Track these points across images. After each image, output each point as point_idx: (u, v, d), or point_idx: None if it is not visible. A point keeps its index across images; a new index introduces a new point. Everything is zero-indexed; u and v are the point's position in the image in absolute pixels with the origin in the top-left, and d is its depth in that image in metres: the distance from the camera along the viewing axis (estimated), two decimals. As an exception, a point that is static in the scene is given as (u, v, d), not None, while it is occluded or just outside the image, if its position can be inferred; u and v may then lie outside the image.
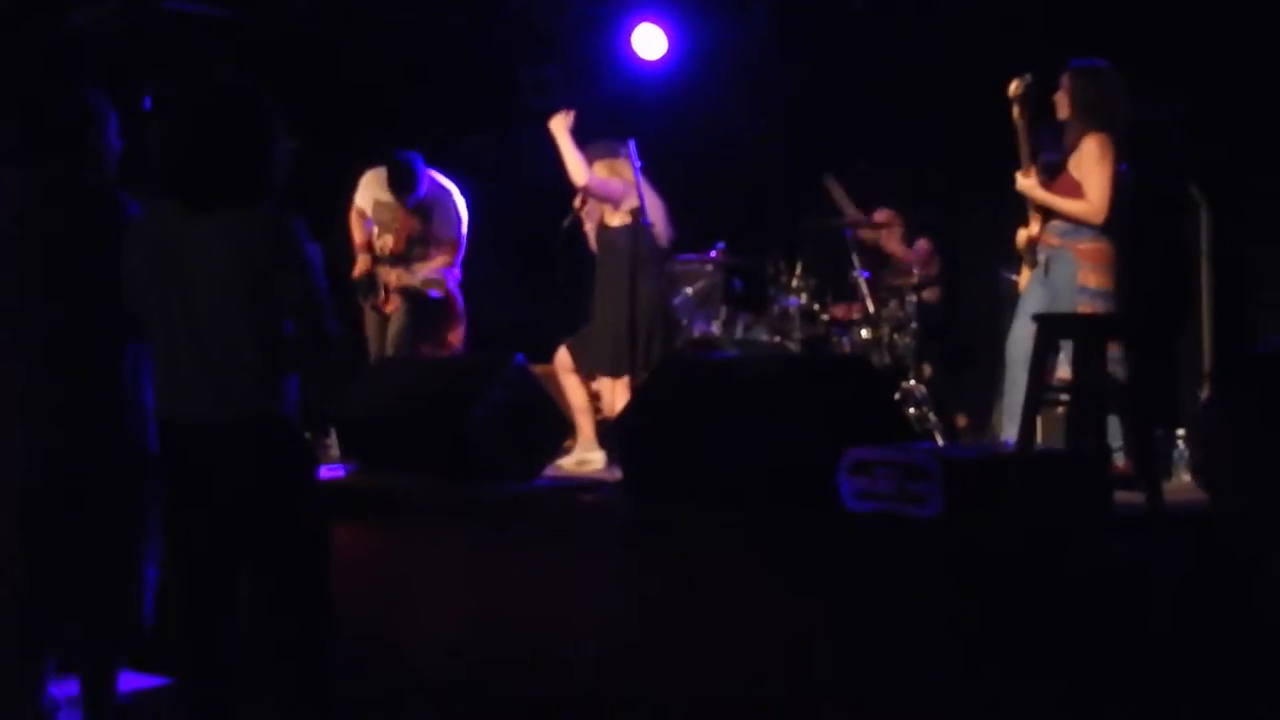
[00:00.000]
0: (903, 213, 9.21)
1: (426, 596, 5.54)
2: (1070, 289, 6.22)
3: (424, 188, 8.31)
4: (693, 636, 4.76)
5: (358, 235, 8.49)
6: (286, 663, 4.17)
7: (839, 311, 8.76)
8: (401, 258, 8.34)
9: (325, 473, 5.87)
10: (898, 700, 4.31)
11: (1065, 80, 6.40)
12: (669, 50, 9.48)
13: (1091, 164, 6.21)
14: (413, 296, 8.26)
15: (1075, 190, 6.25)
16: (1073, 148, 6.31)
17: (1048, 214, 6.38)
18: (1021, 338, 6.33)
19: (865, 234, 9.13)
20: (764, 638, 4.60)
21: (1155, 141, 6.98)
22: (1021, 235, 6.57)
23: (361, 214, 8.51)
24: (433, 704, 5.31)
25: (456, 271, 8.41)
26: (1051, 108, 6.45)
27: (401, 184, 8.26)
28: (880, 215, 9.19)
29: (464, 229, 8.35)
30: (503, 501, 5.66)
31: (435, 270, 8.27)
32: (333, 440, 6.81)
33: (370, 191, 8.51)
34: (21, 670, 4.54)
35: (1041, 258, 6.38)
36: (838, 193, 8.85)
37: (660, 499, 5.28)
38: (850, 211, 8.89)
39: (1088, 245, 6.24)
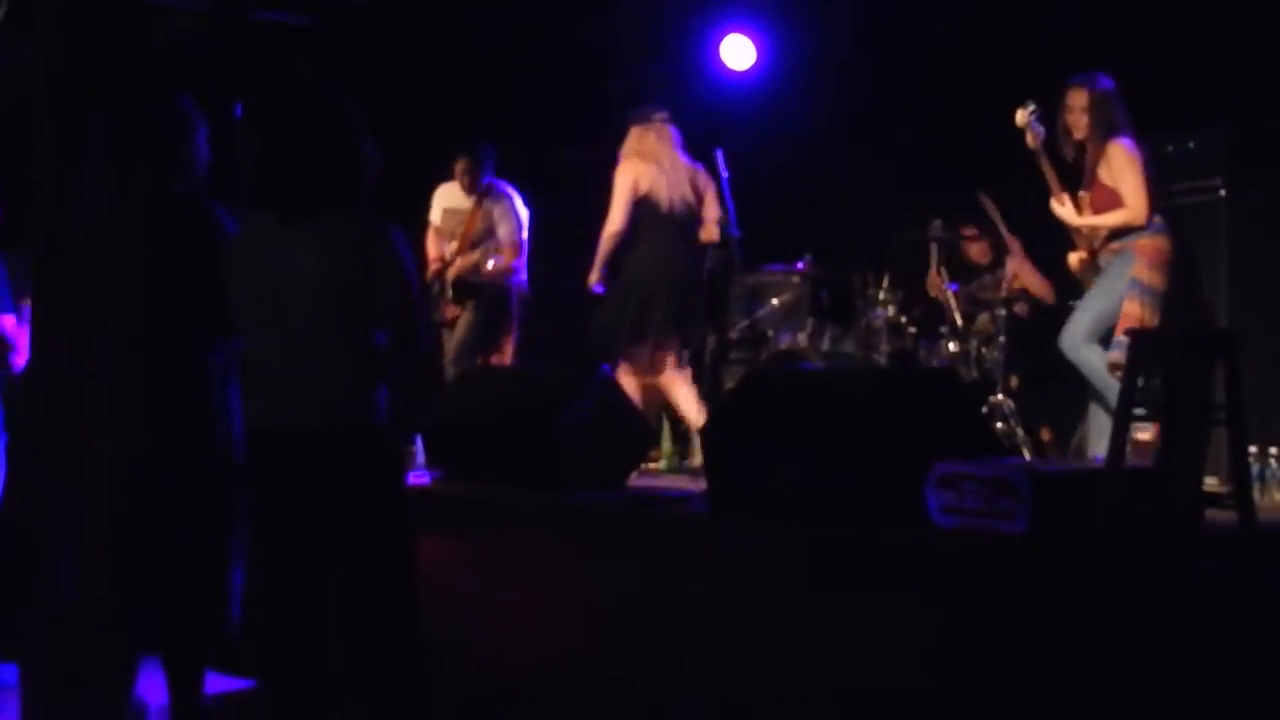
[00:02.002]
0: (988, 228, 9.12)
1: (511, 605, 5.55)
2: (1121, 281, 6.22)
3: (488, 178, 8.55)
4: (778, 650, 4.74)
5: (433, 250, 8.61)
6: (372, 669, 4.19)
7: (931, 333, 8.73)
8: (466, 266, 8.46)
9: (412, 480, 5.91)
10: (985, 714, 4.27)
11: (1078, 97, 6.39)
12: (758, 61, 9.47)
13: (1122, 169, 6.22)
14: (478, 296, 8.35)
15: (1113, 200, 6.26)
16: (1096, 162, 6.31)
17: (1098, 238, 6.41)
18: (1073, 330, 6.32)
19: (966, 246, 9.07)
20: (849, 652, 4.57)
21: (1246, 153, 6.93)
22: (1072, 259, 6.64)
23: (435, 229, 8.63)
24: (518, 713, 5.31)
25: (521, 276, 8.49)
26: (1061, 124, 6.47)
27: (476, 161, 8.54)
28: (970, 230, 9.11)
29: (524, 233, 8.47)
30: (588, 511, 5.66)
31: (501, 270, 8.38)
32: (419, 448, 6.84)
33: (440, 203, 8.70)
34: (109, 673, 4.58)
35: (1104, 262, 6.41)
36: (993, 211, 8.78)
37: (745, 511, 5.25)
38: (1003, 232, 8.84)
39: (1146, 241, 6.28)
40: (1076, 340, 6.46)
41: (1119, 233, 6.35)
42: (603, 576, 5.31)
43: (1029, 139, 6.54)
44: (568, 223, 8.78)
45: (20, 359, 5.51)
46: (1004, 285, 8.65)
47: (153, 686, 4.80)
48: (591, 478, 5.96)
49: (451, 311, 8.50)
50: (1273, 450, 6.32)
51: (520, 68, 9.83)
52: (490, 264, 8.36)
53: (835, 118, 8.86)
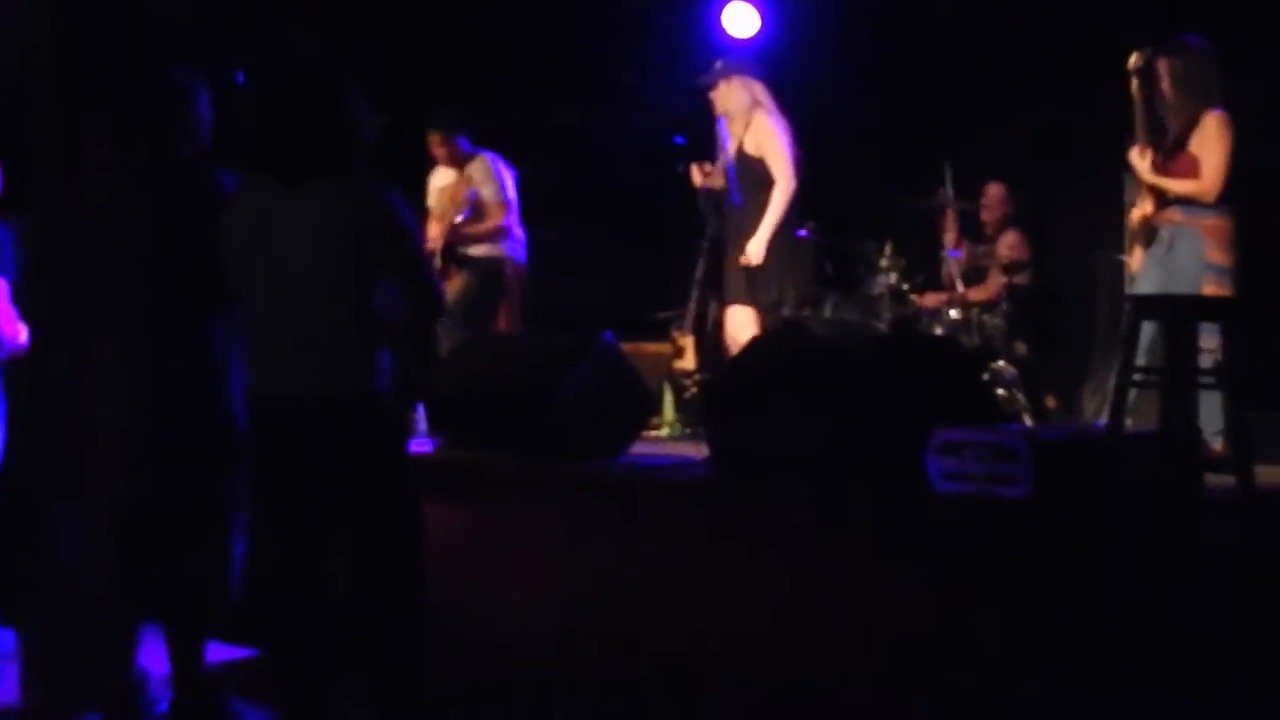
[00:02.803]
0: (1010, 193, 9.13)
1: (513, 572, 5.56)
2: (1196, 266, 6.12)
3: (467, 145, 8.49)
4: (779, 616, 4.75)
5: (432, 231, 8.59)
6: (375, 636, 4.20)
7: (930, 301, 8.70)
8: (464, 234, 8.45)
9: (414, 447, 5.92)
10: (983, 679, 4.28)
11: (1166, 66, 6.27)
12: (760, 28, 9.43)
13: (1214, 141, 6.10)
14: (463, 260, 8.35)
15: (1194, 168, 6.15)
16: (1186, 127, 6.20)
17: (1163, 196, 6.28)
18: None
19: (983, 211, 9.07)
20: (850, 617, 4.58)
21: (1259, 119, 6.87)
22: (1135, 215, 6.44)
23: (433, 215, 8.62)
24: (520, 679, 5.33)
25: (513, 244, 8.47)
26: (1158, 91, 6.34)
27: (448, 125, 8.48)
28: (993, 190, 9.10)
29: (510, 193, 8.44)
30: (590, 478, 5.66)
31: (483, 231, 8.36)
32: (420, 415, 6.84)
33: (433, 187, 8.64)
34: (112, 640, 4.60)
35: (1165, 235, 6.25)
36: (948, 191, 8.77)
37: (747, 478, 5.26)
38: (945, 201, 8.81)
39: (1213, 222, 6.14)
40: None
41: (1186, 205, 6.22)
42: (604, 544, 5.32)
43: (1134, 84, 6.37)
44: (567, 188, 8.76)
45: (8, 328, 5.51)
46: (1005, 253, 8.66)
47: (154, 655, 4.81)
48: (593, 445, 5.96)
49: (449, 283, 8.48)
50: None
51: (522, 33, 9.81)
52: (459, 218, 8.37)
53: (838, 85, 8.84)
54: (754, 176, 7.55)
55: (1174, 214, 6.24)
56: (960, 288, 8.53)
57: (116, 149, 4.64)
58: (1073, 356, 8.43)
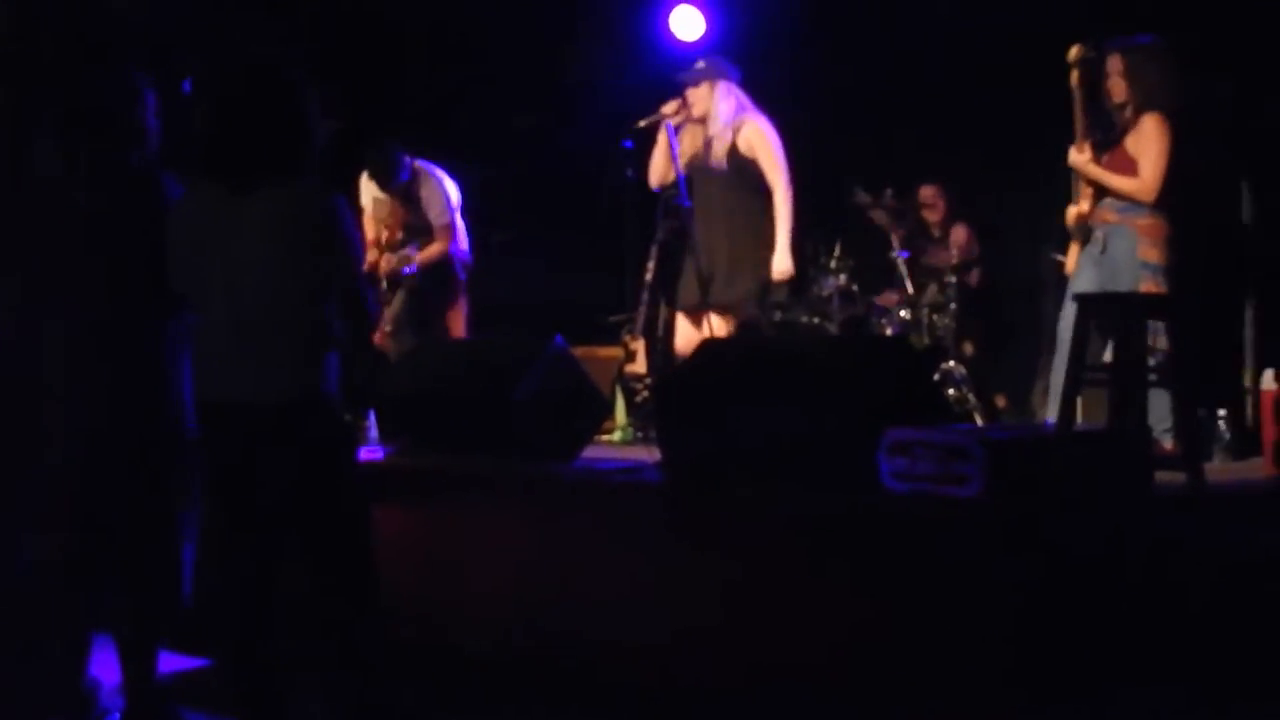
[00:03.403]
0: (947, 190, 9.18)
1: (468, 576, 5.55)
2: (1131, 265, 6.17)
3: (405, 174, 8.40)
4: (731, 616, 4.76)
5: (370, 232, 8.55)
6: (328, 643, 4.19)
7: (883, 300, 8.74)
8: (400, 246, 8.42)
9: (365, 455, 5.90)
10: (935, 678, 4.30)
11: (1117, 62, 6.31)
12: (707, 31, 9.45)
13: (1150, 142, 6.15)
14: (397, 281, 8.34)
15: (1130, 168, 6.19)
16: (1128, 127, 6.24)
17: (1100, 191, 6.32)
18: (1072, 317, 6.30)
19: (921, 211, 9.12)
20: (802, 617, 4.59)
21: (1204, 119, 6.92)
22: (1071, 212, 6.49)
23: (367, 213, 8.58)
24: (475, 682, 5.32)
25: (461, 250, 8.45)
26: (1102, 86, 6.38)
27: (381, 173, 8.41)
28: (925, 192, 9.16)
29: (455, 213, 8.41)
30: (542, 482, 5.66)
31: (432, 257, 8.34)
32: (371, 422, 6.83)
33: (368, 191, 8.60)
34: (62, 651, 4.57)
35: (1099, 234, 6.31)
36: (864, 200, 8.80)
37: (699, 481, 5.27)
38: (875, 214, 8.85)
39: (1147, 221, 6.19)
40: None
41: (1120, 204, 6.27)
42: (558, 546, 5.32)
43: (1074, 77, 6.39)
44: (519, 192, 8.75)
45: None
46: (955, 253, 8.70)
47: (106, 665, 4.78)
48: (546, 449, 5.96)
49: (385, 299, 8.48)
50: (1221, 413, 6.37)
51: (474, 35, 9.80)
52: (407, 270, 8.36)
53: (785, 88, 8.85)
54: (746, 180, 7.49)
55: (1108, 213, 6.30)
56: (910, 288, 8.57)
57: (65, 152, 4.60)
58: (1022, 355, 8.48)
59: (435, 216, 8.38)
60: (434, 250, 8.39)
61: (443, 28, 9.77)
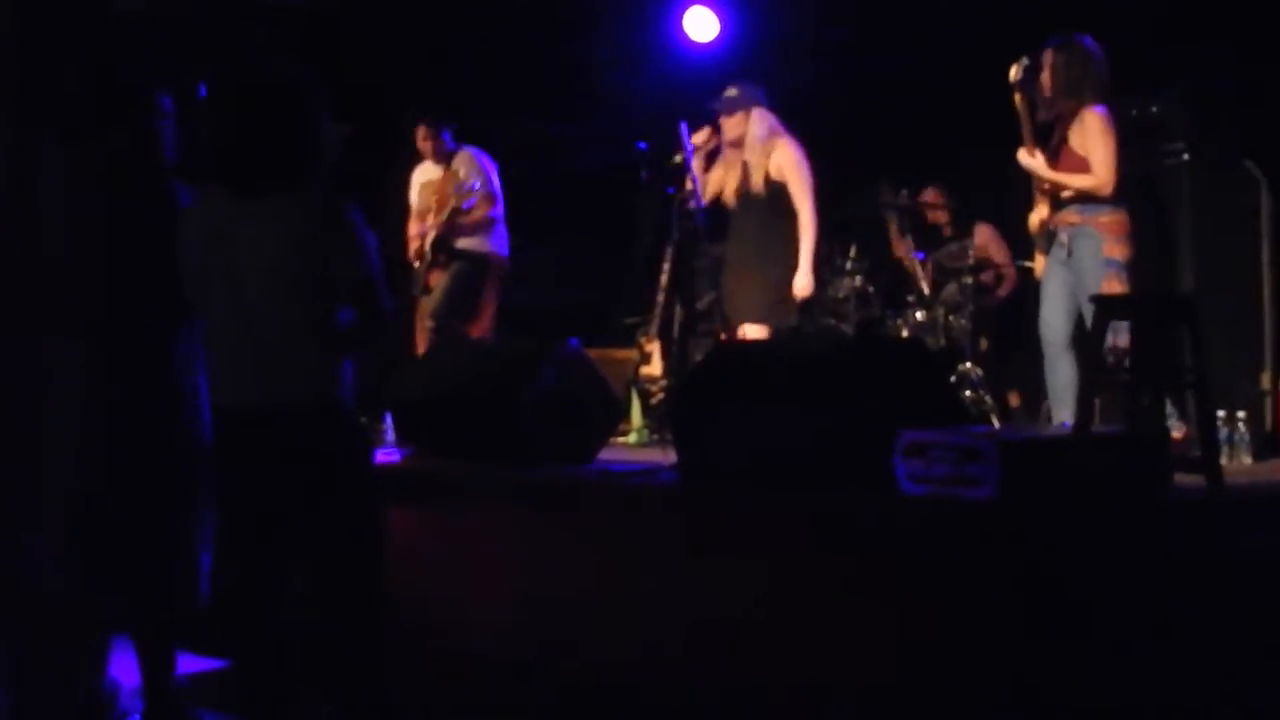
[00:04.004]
0: (950, 194, 9.17)
1: (481, 580, 5.55)
2: (1096, 264, 6.21)
3: (451, 143, 8.53)
4: (745, 620, 4.75)
5: (413, 229, 8.57)
6: (340, 645, 4.19)
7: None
8: (444, 221, 8.42)
9: (381, 457, 5.90)
10: (950, 682, 4.29)
11: (1049, 58, 6.39)
12: (720, 33, 9.46)
13: (1095, 136, 6.21)
14: (452, 252, 8.34)
15: (1081, 165, 6.25)
16: (1069, 125, 6.30)
17: (1057, 198, 6.37)
18: (1052, 320, 6.38)
19: (927, 213, 9.11)
20: (818, 620, 4.58)
21: (1207, 116, 6.93)
22: (1033, 219, 6.60)
23: (416, 211, 8.59)
24: (486, 686, 5.32)
25: (498, 241, 8.45)
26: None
27: (429, 125, 8.48)
28: (929, 194, 9.15)
29: (496, 185, 8.43)
30: (557, 485, 5.66)
31: (474, 220, 8.35)
32: (388, 425, 6.84)
33: (416, 181, 8.64)
34: (80, 655, 4.57)
35: (1063, 238, 6.36)
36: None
37: (715, 483, 5.26)
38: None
39: (1108, 218, 6.25)
40: (1061, 336, 6.42)
41: (1080, 204, 6.31)
42: (573, 550, 5.32)
43: (1017, 98, 6.48)
44: (532, 195, 8.74)
45: None
46: (971, 254, 8.69)
47: (125, 667, 4.80)
48: (560, 451, 5.96)
49: (435, 278, 8.47)
50: (1240, 414, 6.35)
51: (486, 41, 9.80)
52: (468, 204, 8.36)
53: (798, 90, 8.86)
54: (776, 203, 7.55)
55: (1070, 215, 6.35)
56: (926, 290, 8.56)
57: (80, 160, 4.60)
58: (1039, 357, 8.46)
59: (480, 185, 8.40)
60: (477, 214, 8.40)
61: (455, 30, 9.77)
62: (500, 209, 8.50)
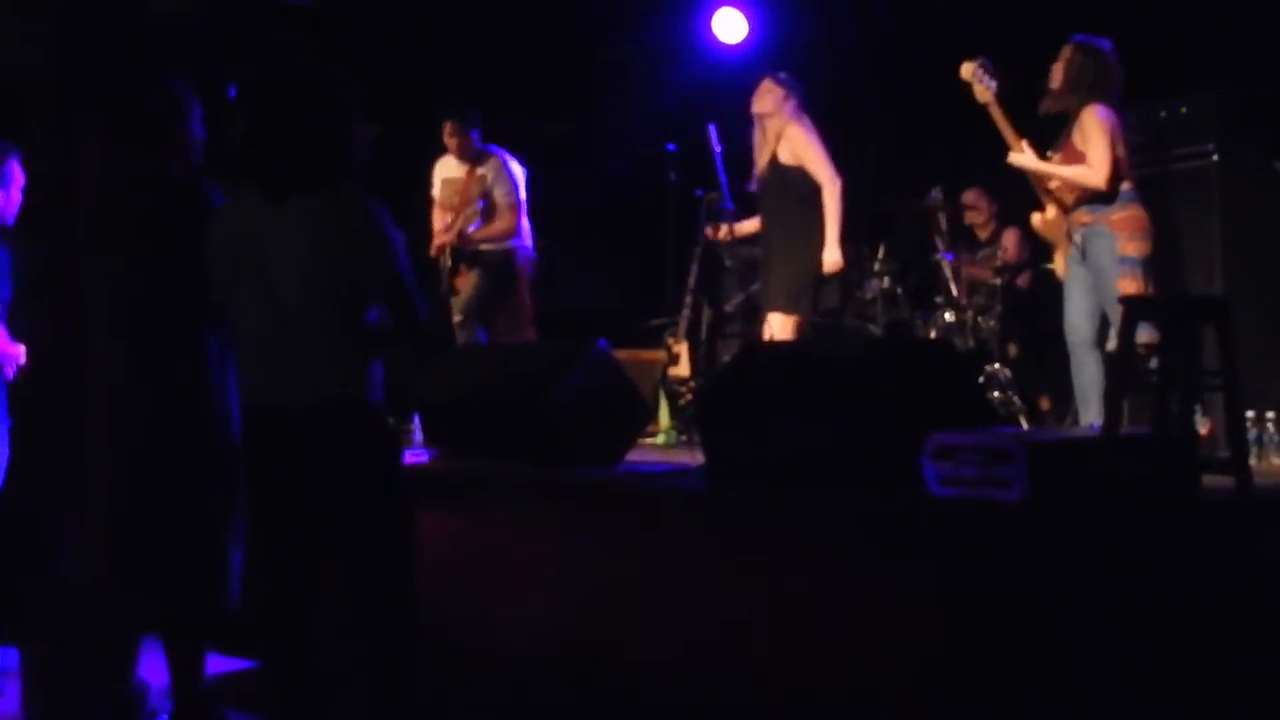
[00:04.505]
0: (991, 195, 9.15)
1: (509, 581, 5.56)
2: (1112, 262, 6.23)
3: (478, 143, 8.44)
4: (774, 621, 4.75)
5: (436, 224, 8.53)
6: (369, 646, 4.20)
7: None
8: (477, 239, 8.39)
9: (409, 458, 5.91)
10: (981, 683, 4.28)
11: (1067, 52, 6.39)
12: (749, 34, 9.46)
13: (1091, 132, 6.24)
14: (474, 257, 8.32)
15: (1079, 160, 6.27)
16: (1071, 123, 6.34)
17: (1069, 199, 6.38)
18: (1075, 320, 6.40)
19: (966, 216, 9.10)
20: (848, 623, 4.58)
21: (1237, 118, 6.92)
22: (1036, 220, 6.64)
23: (436, 202, 8.56)
24: (516, 687, 5.33)
25: (525, 241, 8.42)
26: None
27: (461, 121, 8.41)
28: (968, 196, 9.13)
29: (521, 192, 8.38)
30: (585, 485, 5.67)
31: (494, 234, 8.32)
32: (416, 426, 6.86)
33: (438, 175, 8.59)
34: (110, 655, 4.60)
35: (1077, 238, 6.38)
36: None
37: (743, 484, 5.26)
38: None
39: (1120, 215, 6.28)
40: (1084, 336, 6.43)
41: (1090, 203, 6.31)
42: (600, 551, 5.32)
43: (978, 92, 6.55)
44: (560, 197, 8.74)
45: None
46: (999, 257, 8.67)
47: (154, 667, 4.82)
48: (588, 452, 5.96)
49: (460, 283, 8.44)
50: (1270, 415, 6.33)
51: (513, 42, 9.81)
52: (471, 228, 8.34)
53: (827, 91, 8.86)
54: (791, 187, 7.56)
55: (1081, 215, 6.39)
56: (955, 291, 8.54)
57: (112, 162, 4.63)
58: (1067, 358, 8.43)
59: (503, 195, 8.36)
60: (497, 228, 8.35)
61: (479, 32, 9.78)
62: (523, 213, 8.47)
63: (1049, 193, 6.52)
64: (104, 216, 4.55)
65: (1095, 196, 6.29)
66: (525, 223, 8.50)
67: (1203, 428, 5.80)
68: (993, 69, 6.52)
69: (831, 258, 7.55)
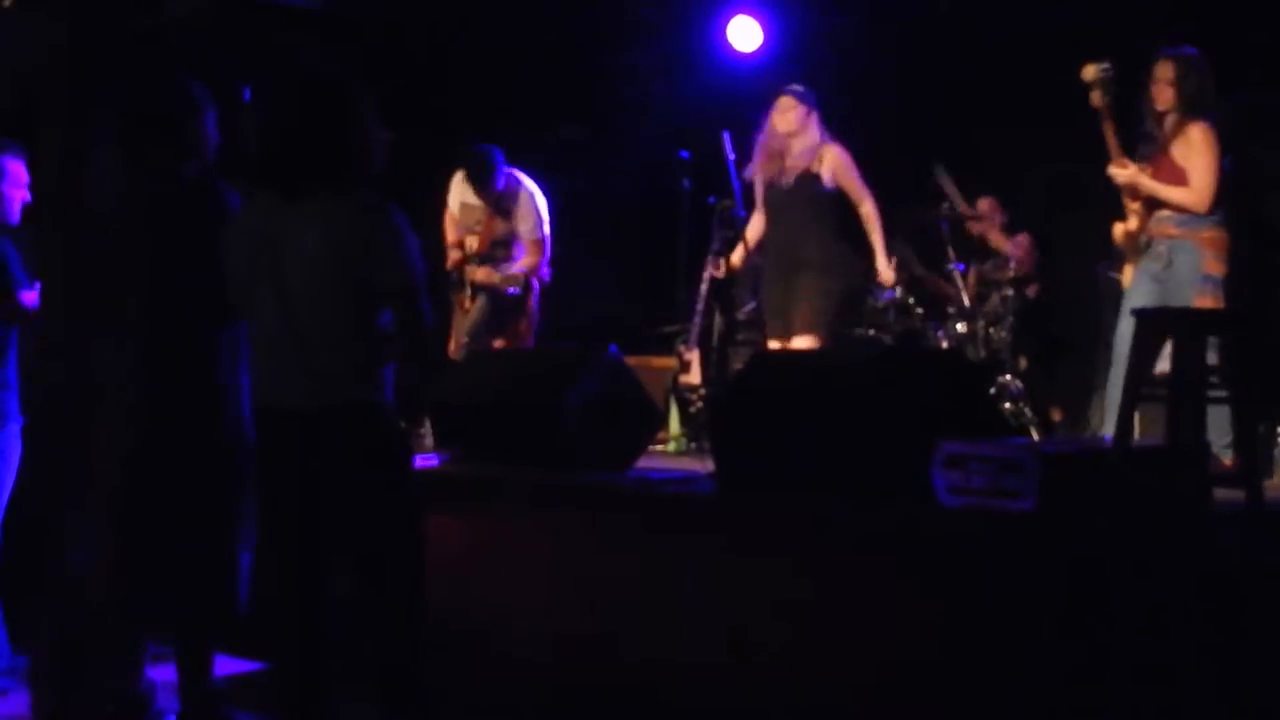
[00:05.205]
0: (1004, 204, 9.14)
1: (518, 585, 5.56)
2: (1194, 278, 6.14)
3: (502, 182, 8.24)
4: (781, 629, 4.75)
5: (450, 234, 8.47)
6: (377, 648, 4.20)
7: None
8: (487, 258, 8.30)
9: (420, 461, 5.91)
10: (989, 694, 4.28)
11: (1170, 70, 6.27)
12: (764, 42, 9.46)
13: (1199, 151, 6.12)
14: (493, 294, 8.25)
15: (1178, 177, 6.15)
16: (1172, 136, 6.20)
17: (1150, 205, 6.28)
18: (1129, 333, 6.27)
19: (970, 225, 9.06)
20: (855, 630, 4.58)
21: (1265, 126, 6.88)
22: (1119, 230, 6.46)
23: (453, 216, 8.49)
24: (521, 690, 5.33)
25: (544, 271, 8.36)
26: (1145, 94, 6.35)
27: (479, 176, 8.20)
28: (983, 205, 9.12)
29: (546, 228, 8.27)
30: (596, 491, 5.66)
31: (520, 269, 8.24)
32: (427, 429, 6.84)
33: (457, 194, 8.47)
34: (119, 654, 4.60)
35: (1161, 249, 6.25)
36: (948, 186, 8.77)
37: (752, 491, 5.26)
38: (959, 205, 8.81)
39: (1210, 234, 6.16)
40: None
41: (1181, 218, 6.23)
42: (610, 556, 5.32)
43: (1095, 96, 6.35)
44: (572, 202, 8.74)
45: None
46: (1011, 266, 8.67)
47: (162, 667, 4.82)
48: (599, 458, 5.96)
49: (467, 303, 8.39)
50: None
51: (526, 47, 9.82)
52: (511, 291, 8.26)
53: (841, 100, 8.87)
54: (828, 210, 7.52)
55: (1169, 228, 6.25)
56: (967, 301, 8.53)
57: (125, 163, 4.64)
58: (1079, 369, 8.43)
59: (528, 231, 8.21)
60: (526, 264, 8.25)
61: (492, 37, 9.79)
62: (547, 251, 8.37)
63: (1136, 203, 6.38)
64: (119, 215, 4.56)
65: (1186, 211, 6.21)
66: (546, 262, 8.44)
67: (1228, 459, 5.71)
68: (1114, 76, 6.36)
69: (886, 272, 7.72)
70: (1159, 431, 5.59)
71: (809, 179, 7.52)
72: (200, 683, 4.70)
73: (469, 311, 8.34)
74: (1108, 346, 6.64)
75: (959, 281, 8.58)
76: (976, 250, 9.08)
